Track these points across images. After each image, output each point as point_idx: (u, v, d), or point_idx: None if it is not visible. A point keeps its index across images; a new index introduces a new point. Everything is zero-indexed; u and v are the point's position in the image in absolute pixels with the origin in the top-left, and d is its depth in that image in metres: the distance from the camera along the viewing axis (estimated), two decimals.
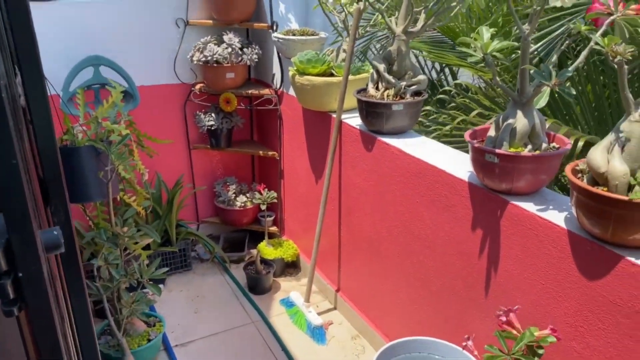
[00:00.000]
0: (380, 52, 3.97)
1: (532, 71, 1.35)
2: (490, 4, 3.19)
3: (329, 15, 2.45)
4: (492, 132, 1.56)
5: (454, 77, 4.07)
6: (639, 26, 1.29)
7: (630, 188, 1.20)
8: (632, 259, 1.21)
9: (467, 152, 2.62)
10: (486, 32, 1.41)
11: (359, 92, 2.17)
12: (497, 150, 1.48)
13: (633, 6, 1.30)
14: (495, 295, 1.63)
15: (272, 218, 3.11)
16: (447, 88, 3.16)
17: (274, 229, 3.13)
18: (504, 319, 1.43)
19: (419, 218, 1.90)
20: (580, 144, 1.96)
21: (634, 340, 1.23)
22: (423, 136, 2.09)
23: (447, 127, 2.70)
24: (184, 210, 3.05)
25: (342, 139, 2.31)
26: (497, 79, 1.46)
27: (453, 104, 3.03)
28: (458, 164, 1.77)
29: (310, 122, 2.59)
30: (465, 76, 4.21)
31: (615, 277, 1.25)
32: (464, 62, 3.36)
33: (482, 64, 2.41)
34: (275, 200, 2.87)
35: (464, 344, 1.54)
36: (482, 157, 1.52)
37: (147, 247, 2.63)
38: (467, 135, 1.62)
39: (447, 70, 4.07)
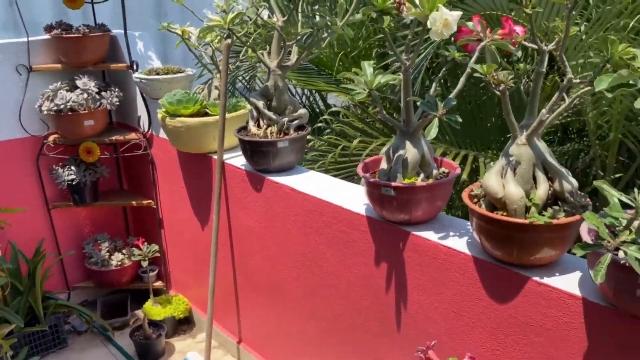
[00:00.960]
0: (249, 82, 3.90)
1: (419, 103, 1.34)
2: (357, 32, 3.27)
3: (194, 51, 2.31)
4: (384, 165, 1.54)
5: (324, 100, 4.13)
6: (508, 50, 1.34)
7: (527, 209, 1.23)
8: (537, 279, 1.24)
9: (356, 179, 2.64)
10: (368, 67, 1.38)
11: (239, 131, 2.05)
12: (393, 184, 1.45)
13: (500, 31, 1.35)
14: (408, 327, 1.59)
15: (155, 273, 2.83)
16: (325, 117, 3.15)
17: (159, 284, 2.85)
18: (423, 357, 1.39)
19: (320, 256, 1.82)
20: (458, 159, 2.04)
21: (548, 358, 1.26)
22: (312, 171, 2.02)
23: (330, 156, 2.68)
24: (51, 280, 2.66)
25: (226, 180, 2.17)
26: (384, 112, 1.44)
27: (329, 130, 3.03)
28: (354, 198, 1.73)
29: (189, 165, 2.41)
30: (333, 98, 4.29)
31: (524, 298, 1.27)
32: (334, 87, 3.40)
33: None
34: (158, 254, 2.62)
35: None
36: (379, 191, 1.48)
37: (9, 333, 2.23)
38: (359, 170, 1.58)
39: (317, 94, 4.11)
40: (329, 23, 1.80)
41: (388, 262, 1.60)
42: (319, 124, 3.05)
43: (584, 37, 2.47)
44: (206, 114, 2.23)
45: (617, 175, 2.96)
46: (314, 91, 4.01)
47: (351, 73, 1.43)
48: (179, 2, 2.19)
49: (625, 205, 1.04)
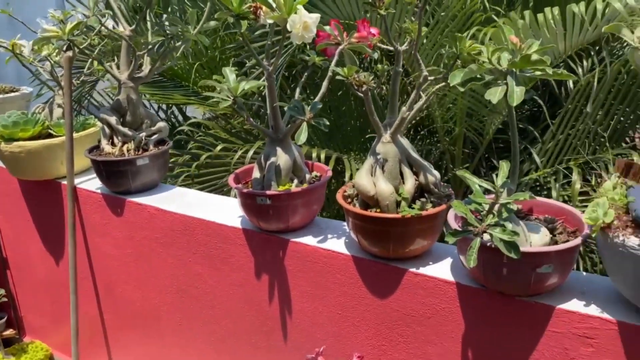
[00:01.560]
0: (89, 97, 3.60)
1: (286, 108, 1.32)
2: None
3: (28, 67, 2.06)
4: (256, 174, 1.49)
5: (184, 114, 3.97)
6: (365, 53, 1.38)
7: (398, 204, 1.27)
8: (414, 270, 1.28)
9: (225, 191, 2.55)
10: (231, 74, 1.32)
11: (91, 151, 1.86)
12: (269, 192, 1.41)
13: (356, 34, 1.38)
14: (295, 337, 1.56)
15: (4, 320, 2.47)
16: (182, 127, 3.02)
17: (9, 332, 2.49)
18: None
19: (196, 277, 1.71)
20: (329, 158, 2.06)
21: (432, 345, 1.31)
22: (178, 187, 1.90)
23: (194, 166, 2.57)
24: None
25: (81, 207, 1.95)
26: (251, 119, 1.39)
27: (192, 142, 2.91)
28: (227, 211, 1.66)
29: (34, 195, 2.13)
30: (193, 111, 4.14)
31: (403, 290, 1.31)
32: (193, 100, 3.28)
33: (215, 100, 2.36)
34: (5, 299, 2.29)
35: None
36: (254, 201, 1.43)
37: None
38: (231, 182, 1.51)
39: (175, 109, 3.94)
40: (181, 31, 1.71)
41: (269, 273, 1.55)
42: (179, 136, 2.91)
43: (425, 40, 2.67)
44: (50, 136, 1.99)
45: (465, 166, 3.25)
46: (171, 106, 3.83)
47: (213, 81, 1.36)
48: (5, 13, 1.94)
49: (485, 192, 1.11)
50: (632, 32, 0.99)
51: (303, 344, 1.54)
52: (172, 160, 2.78)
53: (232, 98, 1.30)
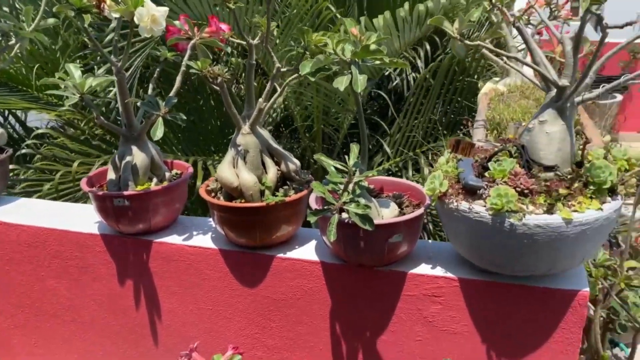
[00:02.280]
0: None
1: (139, 103, 1.28)
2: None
3: None
4: (112, 175, 1.43)
5: (23, 124, 3.60)
6: (218, 47, 1.39)
7: (262, 193, 1.31)
8: (281, 255, 1.33)
9: (79, 200, 2.37)
10: (76, 70, 1.25)
11: None
12: (126, 193, 1.36)
13: (207, 29, 1.40)
14: (167, 339, 1.52)
15: None
16: (30, 142, 2.74)
17: None
18: None
19: (52, 293, 1.59)
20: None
21: (303, 325, 1.37)
22: (22, 198, 1.74)
23: (50, 184, 2.36)
24: None
25: None
26: (102, 118, 1.33)
27: (39, 156, 2.66)
28: (83, 218, 1.56)
29: None
30: (35, 120, 3.78)
31: (272, 276, 1.35)
32: (34, 105, 3.00)
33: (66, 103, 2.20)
34: None
35: None
36: (111, 204, 1.37)
37: None
38: (83, 185, 1.43)
39: (11, 118, 3.56)
40: (14, 29, 1.57)
41: (133, 278, 1.49)
42: (23, 151, 2.65)
43: (277, 40, 2.75)
44: None
45: None
46: (7, 114, 3.46)
47: (56, 79, 1.28)
48: None
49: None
50: (452, 24, 1.14)
51: (175, 345, 1.51)
52: (14, 174, 2.52)
53: (78, 95, 1.23)
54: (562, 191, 1.05)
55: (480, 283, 1.19)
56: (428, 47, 3.49)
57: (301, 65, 1.09)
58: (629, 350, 2.11)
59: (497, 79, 2.83)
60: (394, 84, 3.71)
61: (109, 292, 1.53)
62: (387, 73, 3.72)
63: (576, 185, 1.07)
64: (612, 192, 1.08)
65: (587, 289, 1.13)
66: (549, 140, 1.12)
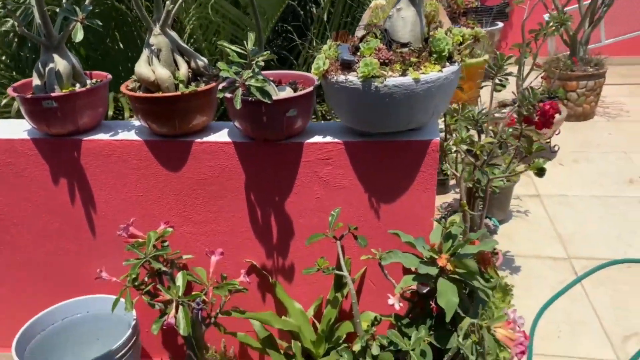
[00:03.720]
0: None
1: (58, 10, 1.43)
2: None
3: None
4: (37, 81, 1.58)
5: None
6: None
7: (177, 88, 1.52)
8: (199, 140, 1.57)
9: None
10: None
11: None
12: (53, 94, 1.52)
13: None
14: (104, 229, 1.73)
15: None
16: None
17: None
18: (126, 235, 1.58)
19: None
20: None
21: (223, 199, 1.63)
22: None
23: None
24: None
25: None
26: (23, 28, 1.47)
27: None
28: (11, 128, 1.70)
29: None
30: None
31: (193, 159, 1.59)
32: None
33: None
34: None
35: (98, 276, 1.60)
36: (40, 106, 1.53)
37: None
38: (10, 92, 1.57)
39: None
40: None
41: (67, 177, 1.67)
42: None
43: None
44: None
45: None
46: None
47: None
48: None
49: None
50: None
51: (113, 235, 1.72)
52: None
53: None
54: (413, 59, 1.37)
55: (360, 143, 1.50)
56: None
57: None
58: (498, 222, 2.59)
59: None
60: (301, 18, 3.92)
61: (45, 194, 1.70)
62: (291, 9, 3.93)
63: (423, 54, 1.39)
64: (450, 59, 1.41)
65: (438, 138, 1.47)
66: (404, 24, 1.42)
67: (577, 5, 4.22)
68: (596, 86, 4.15)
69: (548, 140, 3.63)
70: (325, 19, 3.54)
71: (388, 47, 1.42)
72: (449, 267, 1.36)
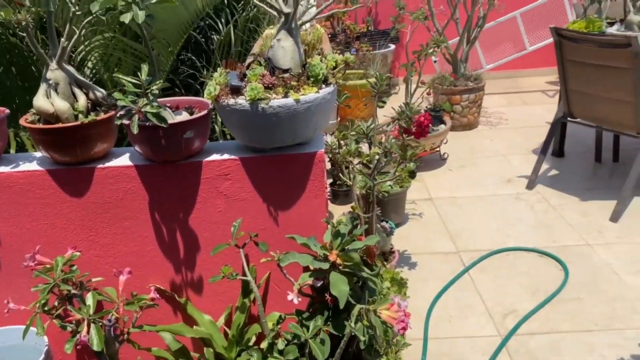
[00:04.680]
0: None
1: None
2: None
3: None
4: None
5: None
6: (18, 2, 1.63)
7: (76, 118, 1.61)
8: (100, 165, 1.66)
9: None
10: None
11: None
12: None
13: None
14: (9, 261, 1.75)
15: None
16: None
17: None
18: (32, 263, 1.62)
19: None
20: None
21: (128, 220, 1.72)
22: None
23: None
24: None
25: None
26: None
27: None
28: None
29: None
30: None
31: (96, 184, 1.67)
32: None
33: None
34: None
35: (6, 308, 1.62)
36: None
37: None
38: None
39: None
40: None
41: None
42: None
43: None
44: None
45: None
46: None
47: None
48: None
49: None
50: None
51: (19, 264, 1.75)
52: None
53: None
54: (293, 83, 1.56)
55: (254, 159, 1.67)
56: (228, 11, 3.93)
57: (91, 5, 1.42)
58: (395, 225, 2.84)
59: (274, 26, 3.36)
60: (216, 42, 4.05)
61: None
62: (193, 40, 4.07)
63: (302, 78, 1.59)
64: (326, 81, 1.62)
65: (322, 150, 1.67)
66: (284, 52, 1.62)
67: (457, 27, 4.72)
68: (477, 98, 4.63)
69: (438, 149, 4.01)
70: (226, 47, 3.72)
71: (272, 73, 1.61)
72: (339, 261, 1.55)
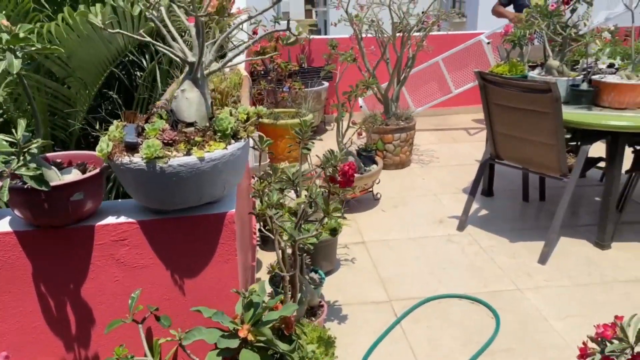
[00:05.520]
0: None
1: None
2: None
3: None
4: None
5: None
6: None
7: None
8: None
9: None
10: None
11: None
12: None
13: None
14: None
15: None
16: None
17: None
18: None
19: None
20: None
21: (9, 293, 1.49)
22: None
23: None
24: None
25: None
26: None
27: None
28: None
29: None
30: None
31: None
32: None
33: None
34: None
35: None
36: None
37: None
38: None
39: None
40: None
41: None
42: None
43: None
44: None
45: None
46: None
47: None
48: None
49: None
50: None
51: None
52: None
53: None
54: (198, 139, 1.42)
55: (156, 222, 1.49)
56: (153, 48, 3.75)
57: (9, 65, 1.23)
58: (324, 274, 2.70)
59: None
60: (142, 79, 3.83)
61: None
62: (117, 76, 3.85)
63: (208, 133, 1.44)
64: (235, 136, 1.49)
65: (234, 210, 1.52)
66: (189, 104, 1.47)
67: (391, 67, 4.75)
68: (408, 137, 4.64)
69: (370, 190, 3.95)
70: (150, 84, 3.53)
71: (174, 127, 1.45)
72: (251, 337, 1.39)
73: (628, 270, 2.93)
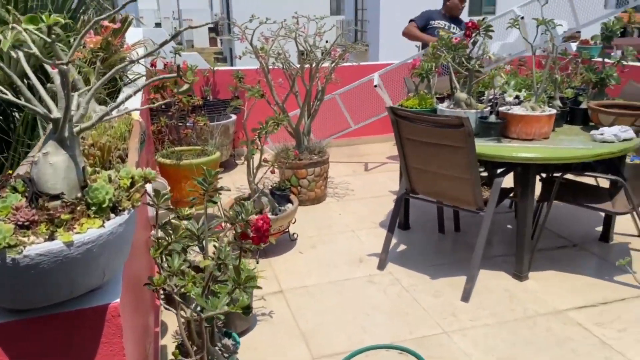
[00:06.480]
0: None
1: None
2: None
3: None
4: None
5: None
6: None
7: None
8: None
9: None
10: None
11: None
12: None
13: None
14: None
15: None
16: None
17: None
18: None
19: None
20: None
21: None
22: None
23: None
24: None
25: None
26: None
27: None
28: None
29: None
30: None
31: None
32: None
33: None
34: None
35: None
36: None
37: None
38: None
39: None
40: None
41: None
42: None
43: None
44: None
45: None
46: None
47: None
48: None
49: None
50: None
51: None
52: None
53: None
54: (65, 217, 1.11)
55: (16, 324, 1.16)
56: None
57: None
58: (238, 336, 2.42)
59: None
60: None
61: None
62: None
63: (79, 208, 1.15)
64: (116, 208, 1.20)
65: (118, 300, 1.23)
66: (54, 171, 1.17)
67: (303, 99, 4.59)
68: (322, 171, 4.49)
69: (287, 230, 3.72)
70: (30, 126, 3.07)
71: (33, 202, 1.14)
72: None
73: (547, 302, 2.92)
